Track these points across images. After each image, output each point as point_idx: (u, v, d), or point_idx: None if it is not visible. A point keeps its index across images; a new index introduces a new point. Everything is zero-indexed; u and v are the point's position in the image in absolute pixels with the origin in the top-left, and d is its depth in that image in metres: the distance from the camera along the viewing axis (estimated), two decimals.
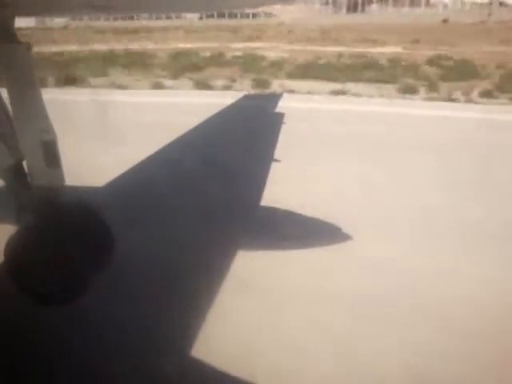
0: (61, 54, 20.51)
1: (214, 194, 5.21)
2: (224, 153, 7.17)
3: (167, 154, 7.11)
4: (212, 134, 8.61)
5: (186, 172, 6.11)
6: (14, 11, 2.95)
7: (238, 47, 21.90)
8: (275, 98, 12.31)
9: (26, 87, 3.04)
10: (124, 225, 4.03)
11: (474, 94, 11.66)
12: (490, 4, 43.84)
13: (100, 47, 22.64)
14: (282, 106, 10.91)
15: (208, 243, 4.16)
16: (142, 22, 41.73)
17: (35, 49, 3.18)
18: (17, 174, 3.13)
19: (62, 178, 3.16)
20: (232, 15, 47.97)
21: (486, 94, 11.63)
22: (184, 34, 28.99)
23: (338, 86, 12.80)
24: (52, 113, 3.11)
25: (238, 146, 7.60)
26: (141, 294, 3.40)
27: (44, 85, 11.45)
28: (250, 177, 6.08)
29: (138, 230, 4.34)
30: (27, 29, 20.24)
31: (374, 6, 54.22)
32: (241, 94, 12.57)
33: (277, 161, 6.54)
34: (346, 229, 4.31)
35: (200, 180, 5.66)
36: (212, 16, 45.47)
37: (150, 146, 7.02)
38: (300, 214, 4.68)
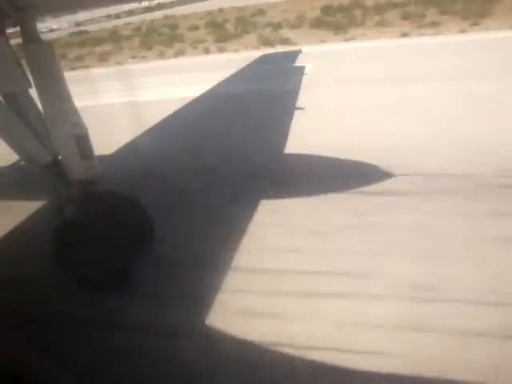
0: None
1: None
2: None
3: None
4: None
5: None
6: (33, 12, 3.02)
7: None
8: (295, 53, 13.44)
9: (53, 85, 3.13)
10: None
11: None
12: None
13: None
14: None
15: None
16: None
17: None
18: (54, 170, 3.27)
19: (96, 170, 3.28)
20: None
21: None
22: None
23: None
24: None
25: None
26: None
27: None
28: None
29: None
30: None
31: None
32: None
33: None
34: None
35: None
36: None
37: None
38: None
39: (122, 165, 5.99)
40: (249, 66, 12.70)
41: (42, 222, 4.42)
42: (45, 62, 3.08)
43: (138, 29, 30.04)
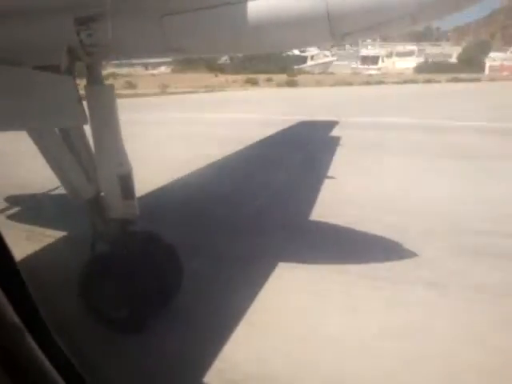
0: None
1: None
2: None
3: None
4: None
5: None
6: (101, 57, 3.22)
7: None
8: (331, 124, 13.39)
9: (108, 125, 3.27)
10: None
11: None
12: None
13: None
14: None
15: None
16: None
17: None
18: (94, 206, 3.34)
19: (135, 210, 3.32)
20: None
21: None
22: None
23: None
24: None
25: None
26: None
27: None
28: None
29: None
30: None
31: None
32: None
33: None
34: None
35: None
36: None
37: None
38: None
39: None
40: (286, 132, 12.74)
41: (67, 254, 4.46)
42: (104, 102, 3.24)
43: None
